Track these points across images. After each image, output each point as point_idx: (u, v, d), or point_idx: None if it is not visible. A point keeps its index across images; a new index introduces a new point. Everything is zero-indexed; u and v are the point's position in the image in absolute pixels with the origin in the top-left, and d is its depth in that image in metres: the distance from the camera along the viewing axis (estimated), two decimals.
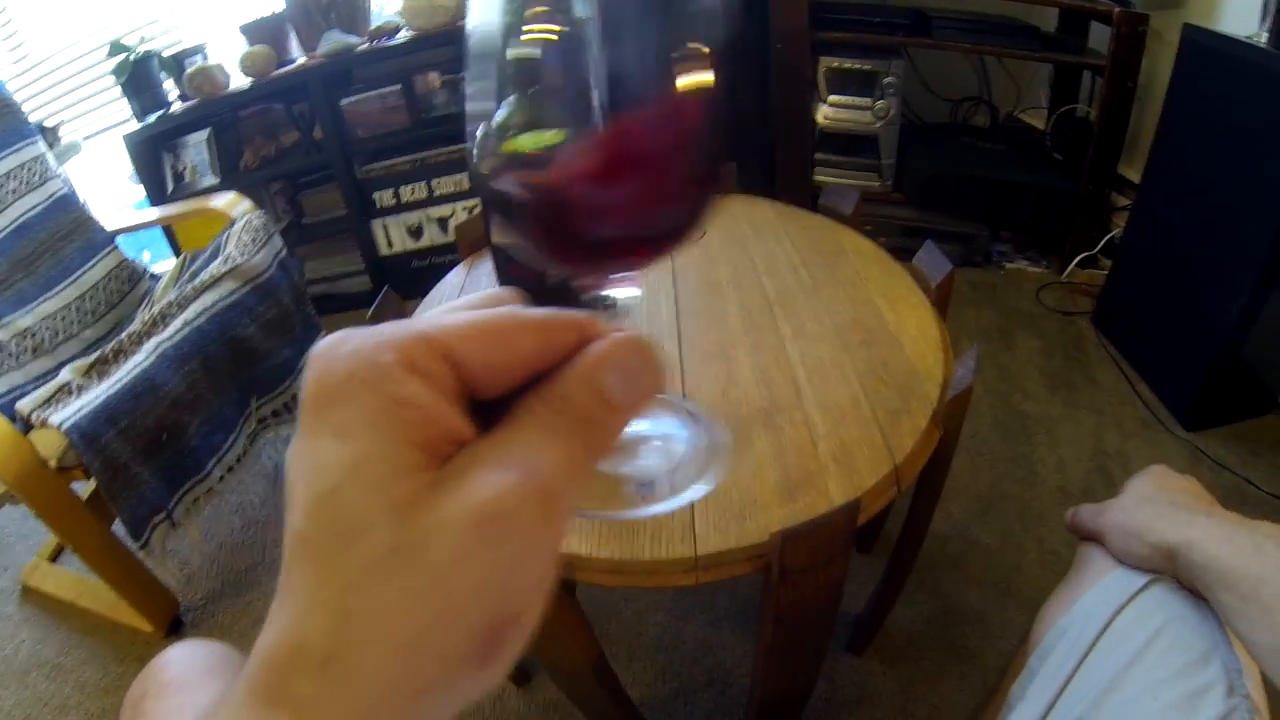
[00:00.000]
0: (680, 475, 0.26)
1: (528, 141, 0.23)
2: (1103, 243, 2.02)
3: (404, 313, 0.98)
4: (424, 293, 1.11)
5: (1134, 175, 1.91)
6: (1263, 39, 1.42)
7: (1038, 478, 1.49)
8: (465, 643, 0.18)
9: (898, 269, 1.03)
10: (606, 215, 0.24)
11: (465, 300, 0.23)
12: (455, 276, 1.14)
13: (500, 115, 0.23)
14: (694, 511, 0.69)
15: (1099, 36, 1.97)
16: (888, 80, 2.06)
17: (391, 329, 0.19)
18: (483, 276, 1.12)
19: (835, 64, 2.09)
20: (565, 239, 0.24)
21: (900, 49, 2.09)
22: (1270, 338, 1.47)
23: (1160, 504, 0.62)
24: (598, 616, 1.30)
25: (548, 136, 0.23)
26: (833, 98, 2.13)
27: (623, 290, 0.26)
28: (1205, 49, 1.54)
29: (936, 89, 2.37)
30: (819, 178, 2.25)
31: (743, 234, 1.16)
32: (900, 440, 0.76)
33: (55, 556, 1.67)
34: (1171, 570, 0.58)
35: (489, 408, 0.20)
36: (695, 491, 0.26)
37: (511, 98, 0.23)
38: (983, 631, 1.23)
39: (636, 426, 0.26)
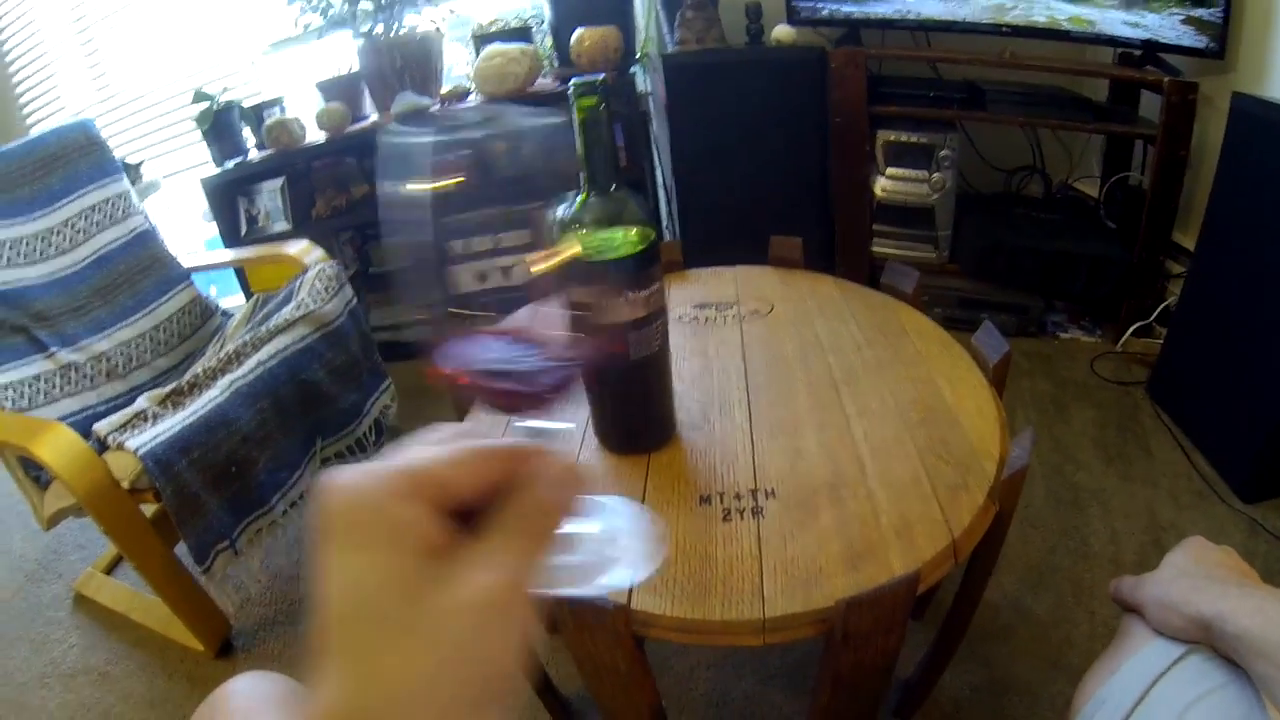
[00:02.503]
0: (621, 560, 0.33)
1: None
2: (1157, 311, 2.01)
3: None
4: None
5: (1188, 243, 1.91)
6: None
7: (1090, 550, 1.48)
8: (467, 698, 0.23)
9: (957, 348, 1.05)
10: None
11: (433, 435, 0.30)
12: (524, 313, 1.19)
13: None
14: (762, 576, 0.72)
15: (1150, 105, 1.99)
16: (943, 153, 2.10)
17: (390, 465, 0.26)
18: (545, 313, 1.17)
19: (892, 137, 2.14)
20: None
21: (955, 122, 2.14)
22: None
23: (1196, 577, 0.63)
24: (650, 668, 1.31)
25: None
26: (890, 170, 2.18)
27: (553, 424, 0.33)
28: (1255, 116, 1.55)
29: (991, 160, 2.40)
30: (877, 249, 2.28)
31: (809, 311, 1.19)
32: (958, 515, 0.78)
33: (110, 569, 1.74)
34: (1208, 640, 0.59)
35: (466, 512, 0.27)
36: (636, 572, 0.33)
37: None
38: (1030, 702, 1.21)
39: (580, 525, 0.33)
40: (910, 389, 0.97)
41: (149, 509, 1.39)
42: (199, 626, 1.46)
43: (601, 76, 0.70)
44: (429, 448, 0.28)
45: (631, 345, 0.80)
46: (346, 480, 0.25)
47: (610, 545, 0.34)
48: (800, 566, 0.73)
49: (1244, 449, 1.56)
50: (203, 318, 1.88)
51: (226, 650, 1.49)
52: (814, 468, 0.86)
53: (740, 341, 1.13)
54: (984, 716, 1.21)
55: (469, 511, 0.27)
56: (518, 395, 0.32)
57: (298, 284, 1.67)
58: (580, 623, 0.71)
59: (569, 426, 0.30)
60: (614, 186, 0.73)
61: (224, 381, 1.45)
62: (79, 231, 1.73)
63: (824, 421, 0.93)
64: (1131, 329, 2.03)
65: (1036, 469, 1.68)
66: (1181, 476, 1.64)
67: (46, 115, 2.41)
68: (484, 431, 0.30)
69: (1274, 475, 1.55)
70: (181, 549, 1.37)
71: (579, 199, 0.74)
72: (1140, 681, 0.60)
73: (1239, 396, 1.59)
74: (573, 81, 0.69)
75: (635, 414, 0.90)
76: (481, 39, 2.25)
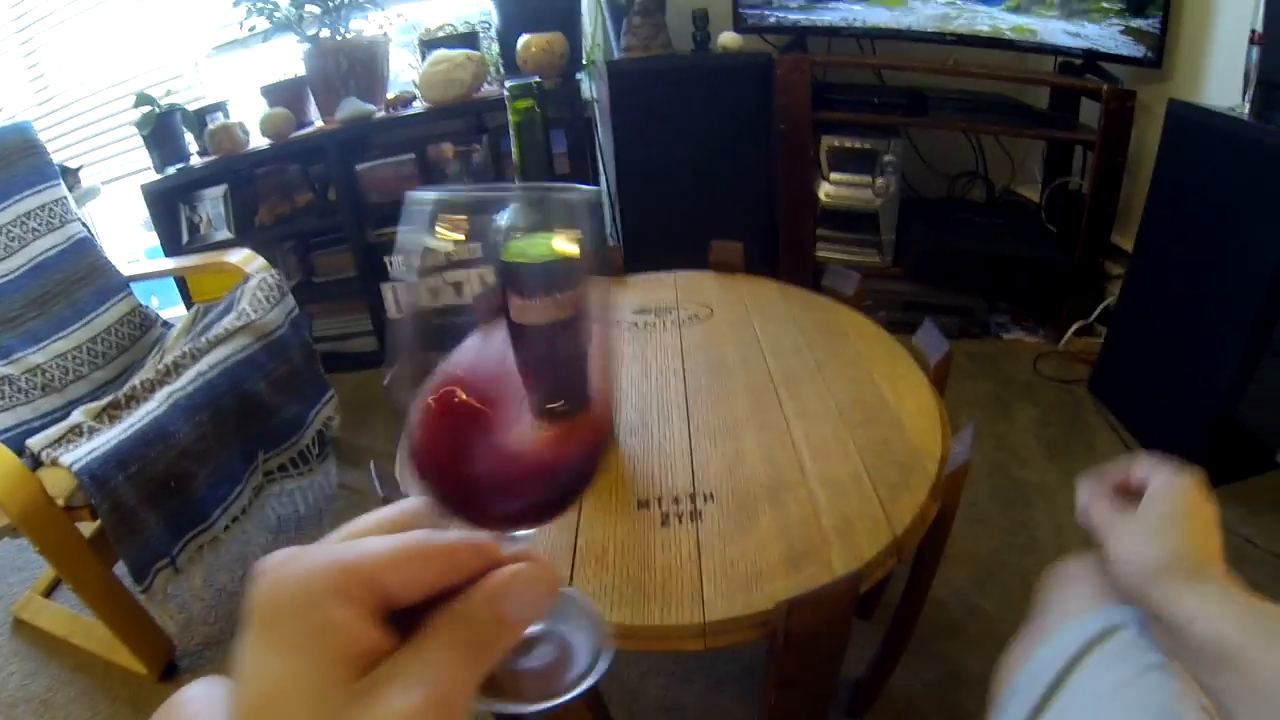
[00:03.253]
0: (572, 666, 0.30)
1: None
2: (1097, 311, 2.06)
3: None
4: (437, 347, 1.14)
5: (1126, 245, 1.97)
6: (1244, 110, 1.49)
7: (1037, 544, 1.51)
8: None
9: (898, 349, 1.07)
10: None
11: (383, 516, 0.28)
12: (472, 342, 1.17)
13: None
14: (702, 579, 0.71)
15: (1089, 112, 2.05)
16: (887, 158, 2.13)
17: (325, 559, 0.24)
18: (496, 342, 1.15)
19: (836, 143, 2.17)
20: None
21: (899, 128, 2.17)
22: (1264, 398, 1.51)
23: (1174, 547, 0.56)
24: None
25: None
26: (834, 175, 2.21)
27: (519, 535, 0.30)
28: (1190, 122, 1.60)
29: (934, 165, 2.45)
30: (820, 253, 2.31)
31: (748, 314, 1.20)
32: (900, 514, 0.78)
33: (49, 592, 1.67)
34: (1143, 608, 0.56)
35: (409, 612, 0.25)
36: (587, 679, 0.29)
37: None
38: (982, 694, 1.20)
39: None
40: (851, 389, 0.98)
41: (86, 528, 1.34)
42: (141, 649, 1.41)
43: (536, 79, 0.70)
44: (372, 539, 0.26)
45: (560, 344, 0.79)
46: (280, 568, 0.24)
47: (555, 647, 0.31)
48: (740, 569, 0.72)
49: (1184, 441, 1.61)
50: (142, 328, 1.82)
51: (171, 672, 1.44)
52: (754, 470, 0.86)
53: (679, 346, 1.13)
54: (937, 711, 1.22)
55: (416, 610, 0.25)
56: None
57: (239, 293, 1.64)
58: None
59: (532, 532, 0.27)
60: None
61: (162, 394, 1.41)
62: (14, 239, 1.66)
63: (764, 423, 0.93)
64: (1073, 329, 2.08)
65: (982, 467, 1.70)
66: None
67: None
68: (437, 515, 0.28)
69: (1213, 465, 1.57)
70: (121, 569, 1.33)
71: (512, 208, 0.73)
72: (1053, 667, 0.59)
73: (1178, 391, 1.64)
74: (508, 84, 0.69)
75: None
76: (428, 44, 2.23)
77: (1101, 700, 0.55)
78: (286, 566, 0.24)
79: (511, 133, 0.70)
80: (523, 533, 0.30)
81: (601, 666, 0.29)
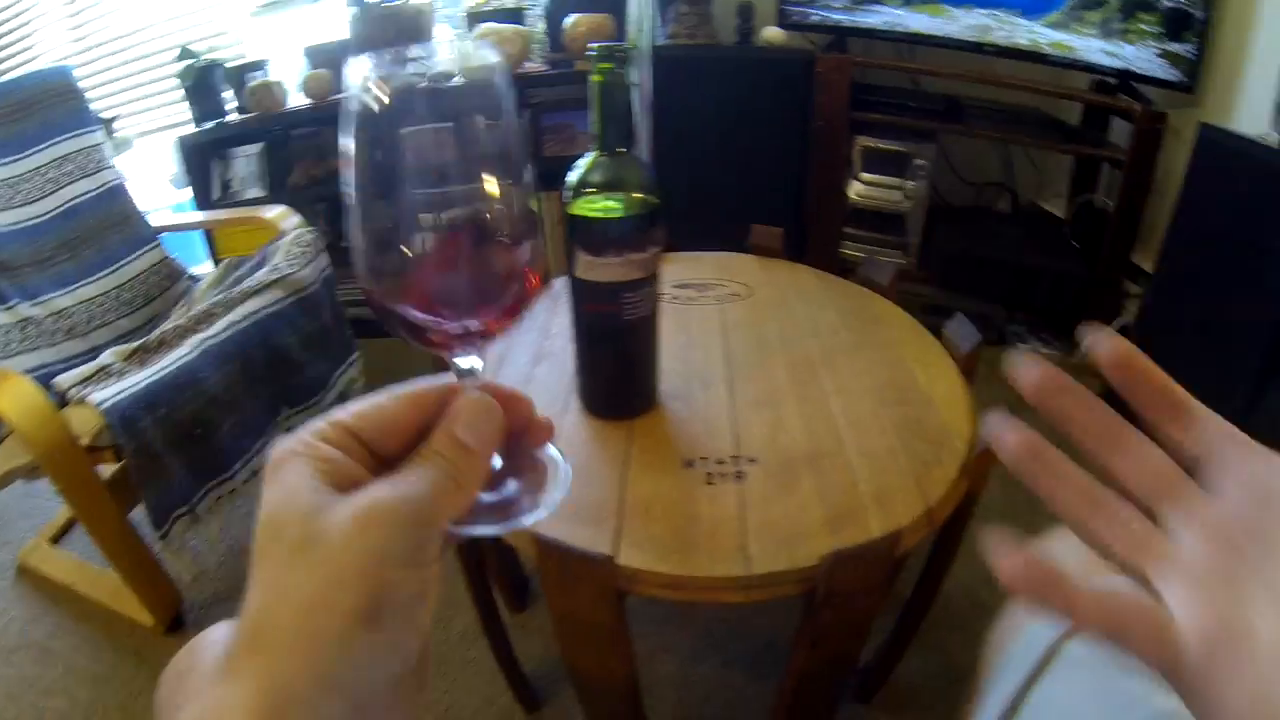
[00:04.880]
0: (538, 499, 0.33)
1: None
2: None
3: None
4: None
5: (1147, 265, 1.98)
6: (1274, 139, 1.51)
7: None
8: (347, 607, 0.24)
9: (930, 338, 1.09)
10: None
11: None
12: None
13: None
14: (747, 535, 0.73)
15: (1120, 131, 2.06)
16: (919, 162, 2.15)
17: (317, 421, 0.28)
18: (540, 313, 1.17)
19: (870, 143, 2.19)
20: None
21: (933, 133, 2.19)
22: (1274, 425, 1.53)
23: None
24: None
25: None
26: (865, 175, 2.23)
27: (466, 359, 0.33)
28: (1219, 146, 1.62)
29: (963, 173, 2.47)
30: (846, 251, 2.33)
31: (787, 296, 1.22)
32: (932, 487, 0.80)
33: (58, 539, 1.67)
34: None
35: (397, 461, 0.29)
36: (544, 509, 0.33)
37: None
38: None
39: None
40: (885, 371, 1.00)
41: (105, 471, 1.34)
42: (150, 598, 1.41)
43: (622, 44, 0.71)
44: (359, 400, 0.29)
45: (624, 305, 0.81)
46: (284, 437, 0.28)
47: (519, 485, 0.34)
48: (783, 528, 0.74)
49: None
50: (170, 280, 1.84)
51: (177, 625, 1.44)
52: (794, 438, 0.88)
53: (720, 320, 1.14)
54: (938, 700, 1.25)
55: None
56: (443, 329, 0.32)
57: (273, 248, 1.65)
58: (564, 575, 0.72)
59: (479, 363, 0.34)
60: (624, 151, 0.75)
61: (194, 340, 1.42)
62: (49, 180, 1.67)
63: (803, 396, 0.95)
64: None
65: (994, 472, 1.72)
66: None
67: (20, 64, 2.33)
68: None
69: None
70: (136, 515, 1.33)
71: (588, 160, 0.75)
72: (1049, 633, 0.58)
73: None
74: (593, 45, 0.71)
75: (623, 377, 0.90)
76: (475, 17, 2.24)
77: (1097, 667, 0.54)
78: (285, 437, 0.28)
79: (593, 94, 0.72)
80: (469, 364, 0.33)
81: (553, 501, 0.32)
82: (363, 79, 0.29)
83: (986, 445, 0.86)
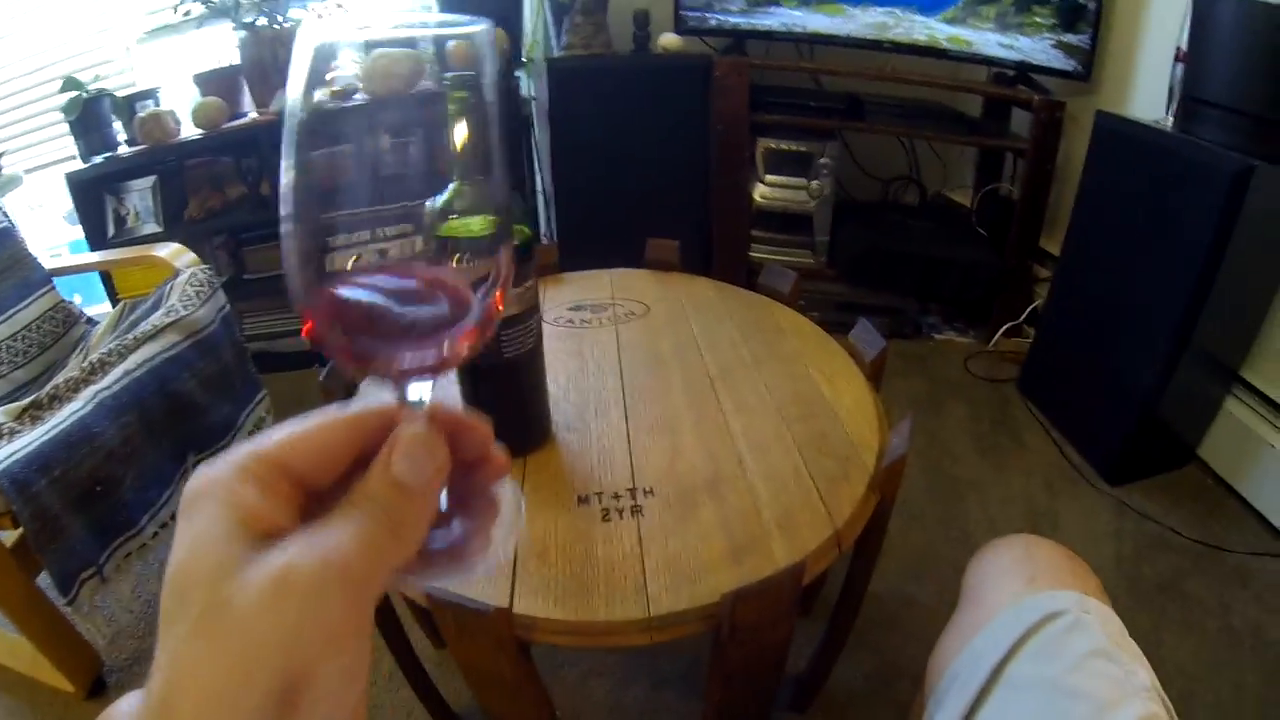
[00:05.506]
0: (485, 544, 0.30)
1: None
2: (1026, 313, 2.14)
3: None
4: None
5: (1054, 249, 2.04)
6: (1169, 123, 1.56)
7: (971, 538, 1.55)
8: (260, 693, 0.21)
9: (834, 345, 1.09)
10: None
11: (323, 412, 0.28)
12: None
13: None
14: (645, 574, 0.72)
15: (1020, 121, 2.13)
16: (822, 161, 2.17)
17: (238, 451, 0.25)
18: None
19: (772, 145, 2.21)
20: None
21: (835, 131, 2.21)
22: (1185, 395, 1.59)
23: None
24: (542, 680, 1.30)
25: None
26: (769, 177, 2.24)
27: (415, 389, 0.29)
28: (1116, 133, 1.67)
29: (868, 169, 2.51)
30: (755, 254, 2.34)
31: (684, 311, 1.21)
32: (840, 506, 0.80)
33: None
34: None
35: (331, 495, 0.25)
36: (497, 553, 0.29)
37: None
38: (921, 686, 1.26)
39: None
40: (788, 385, 1.00)
41: (8, 536, 1.28)
42: (68, 664, 1.34)
43: (473, 72, 0.69)
44: (286, 425, 0.26)
45: (503, 343, 0.79)
46: (201, 469, 0.24)
47: (468, 527, 0.30)
48: (683, 563, 0.73)
49: (1109, 437, 1.69)
50: (65, 325, 1.74)
51: (99, 689, 1.38)
52: (693, 464, 0.87)
53: (616, 342, 1.13)
54: (878, 702, 1.25)
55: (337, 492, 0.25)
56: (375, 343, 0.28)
57: (167, 288, 1.58)
58: (460, 628, 0.70)
59: (426, 389, 0.28)
60: (483, 179, 0.73)
61: (87, 393, 1.35)
62: None
63: (702, 418, 0.95)
64: (1002, 329, 2.16)
65: (915, 463, 1.75)
66: (1053, 465, 1.75)
67: None
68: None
69: (1137, 459, 1.68)
70: (45, 580, 1.26)
71: (450, 189, 0.73)
72: (991, 656, 0.60)
73: (1103, 389, 1.71)
74: (445, 75, 0.68)
75: (509, 414, 0.88)
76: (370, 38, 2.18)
77: (1042, 691, 0.55)
78: (206, 466, 0.24)
79: (449, 123, 0.69)
80: (419, 392, 0.29)
81: (509, 546, 0.29)
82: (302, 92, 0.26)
83: (896, 457, 0.86)
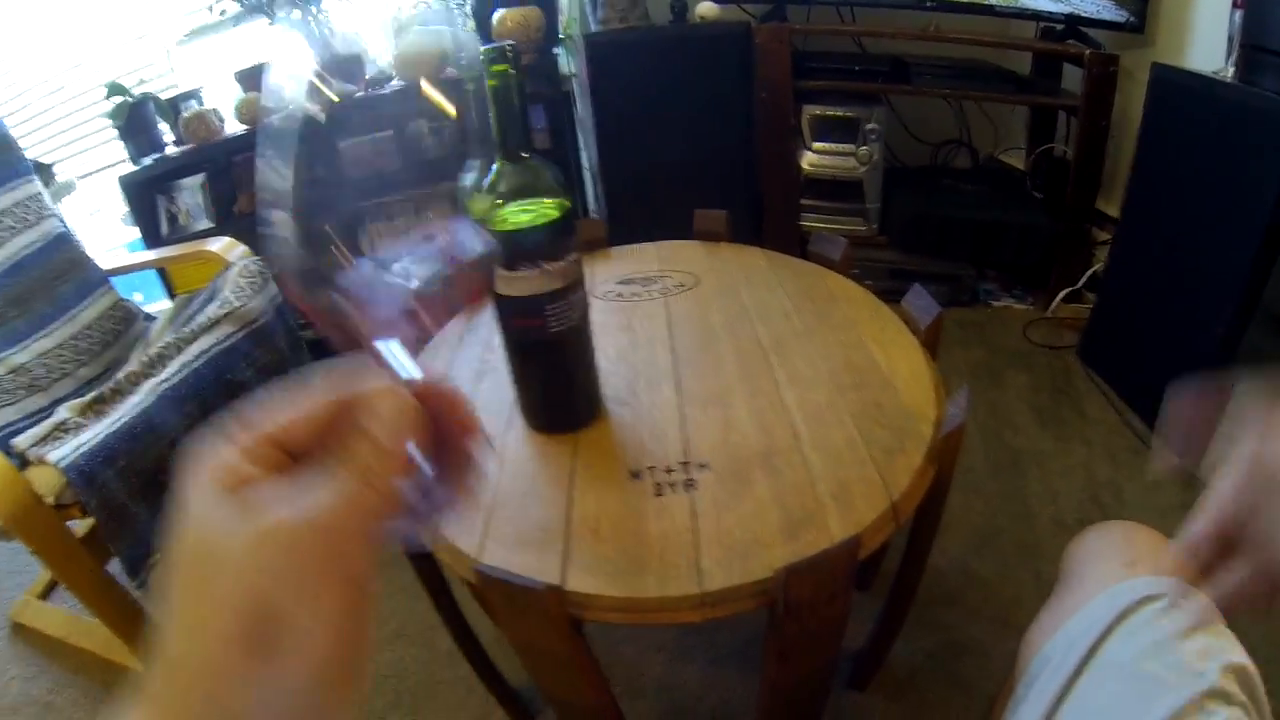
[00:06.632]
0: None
1: None
2: (1085, 277, 2.06)
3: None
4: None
5: (1113, 210, 1.96)
6: (1229, 74, 1.48)
7: (1031, 511, 1.51)
8: (234, 627, 0.23)
9: (887, 312, 1.06)
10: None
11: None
12: (455, 326, 1.16)
13: None
14: (699, 549, 0.71)
15: (1072, 77, 2.04)
16: (870, 126, 2.12)
17: (238, 432, 0.27)
18: (481, 326, 1.13)
19: (818, 112, 2.16)
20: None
21: (880, 96, 2.15)
22: (1255, 359, 1.51)
23: None
24: (599, 657, 1.30)
25: None
26: (817, 144, 2.19)
27: (405, 369, 0.31)
28: (1174, 85, 1.60)
29: (917, 133, 2.43)
30: (805, 223, 2.30)
31: (735, 282, 1.18)
32: (896, 478, 0.77)
33: (46, 594, 1.66)
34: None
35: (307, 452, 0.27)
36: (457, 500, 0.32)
37: None
38: (984, 663, 1.23)
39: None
40: (841, 355, 0.97)
41: (79, 526, 1.32)
42: (141, 644, 1.38)
43: (510, 43, 0.68)
44: (283, 395, 0.28)
45: (549, 318, 0.78)
46: (206, 442, 0.26)
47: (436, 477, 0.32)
48: (737, 538, 0.71)
49: None
50: (125, 322, 1.80)
51: None
52: (746, 437, 0.85)
53: (666, 315, 1.11)
54: (939, 680, 1.22)
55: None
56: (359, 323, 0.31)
57: (220, 281, 1.62)
58: (511, 605, 0.69)
59: (414, 371, 0.31)
60: (527, 156, 0.72)
61: (148, 386, 1.39)
62: None
63: (754, 390, 0.92)
64: (1061, 295, 2.08)
65: (975, 434, 1.70)
66: (1115, 435, 1.69)
67: None
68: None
69: None
70: (115, 566, 1.31)
71: (493, 169, 0.72)
72: (1085, 639, 0.59)
73: (1166, 354, 1.63)
74: (482, 48, 0.67)
75: (558, 389, 0.87)
76: (403, 24, 2.20)
77: (1133, 672, 0.55)
78: (208, 443, 0.26)
79: (489, 98, 0.68)
80: (408, 374, 0.31)
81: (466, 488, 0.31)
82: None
83: (953, 427, 0.83)
